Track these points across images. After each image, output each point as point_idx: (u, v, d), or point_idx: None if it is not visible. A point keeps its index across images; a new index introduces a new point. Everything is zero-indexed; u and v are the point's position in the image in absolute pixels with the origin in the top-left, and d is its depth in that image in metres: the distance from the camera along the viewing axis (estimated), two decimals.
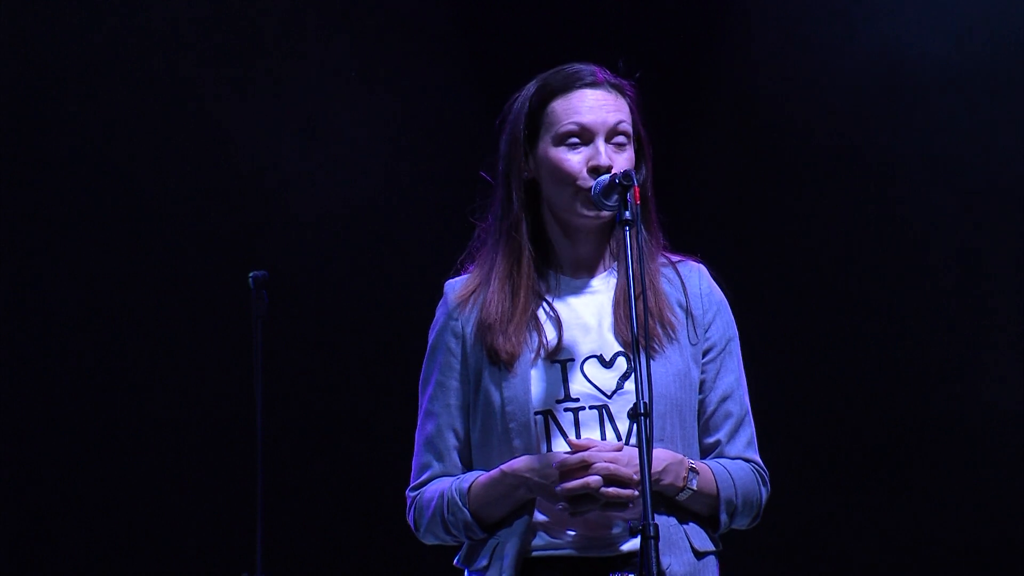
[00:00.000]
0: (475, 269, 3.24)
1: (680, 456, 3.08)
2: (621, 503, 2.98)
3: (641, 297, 2.96)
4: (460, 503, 3.11)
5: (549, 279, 3.20)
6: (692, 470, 3.08)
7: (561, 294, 3.19)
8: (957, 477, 5.12)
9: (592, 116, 3.13)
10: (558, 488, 2.99)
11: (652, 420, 2.92)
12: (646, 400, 2.84)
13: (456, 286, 3.25)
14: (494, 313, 3.15)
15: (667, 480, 3.05)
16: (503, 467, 3.08)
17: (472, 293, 3.20)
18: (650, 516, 2.79)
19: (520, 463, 3.06)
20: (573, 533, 3.08)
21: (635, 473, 2.97)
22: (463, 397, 3.18)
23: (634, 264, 2.93)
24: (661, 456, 3.04)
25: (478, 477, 3.12)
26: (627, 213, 2.96)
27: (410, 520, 3.21)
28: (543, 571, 3.08)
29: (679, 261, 3.24)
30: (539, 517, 3.10)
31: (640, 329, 2.91)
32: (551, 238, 3.21)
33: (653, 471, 2.99)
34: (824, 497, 5.23)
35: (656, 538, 2.79)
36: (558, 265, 3.21)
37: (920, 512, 5.15)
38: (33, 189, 5.14)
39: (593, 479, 2.97)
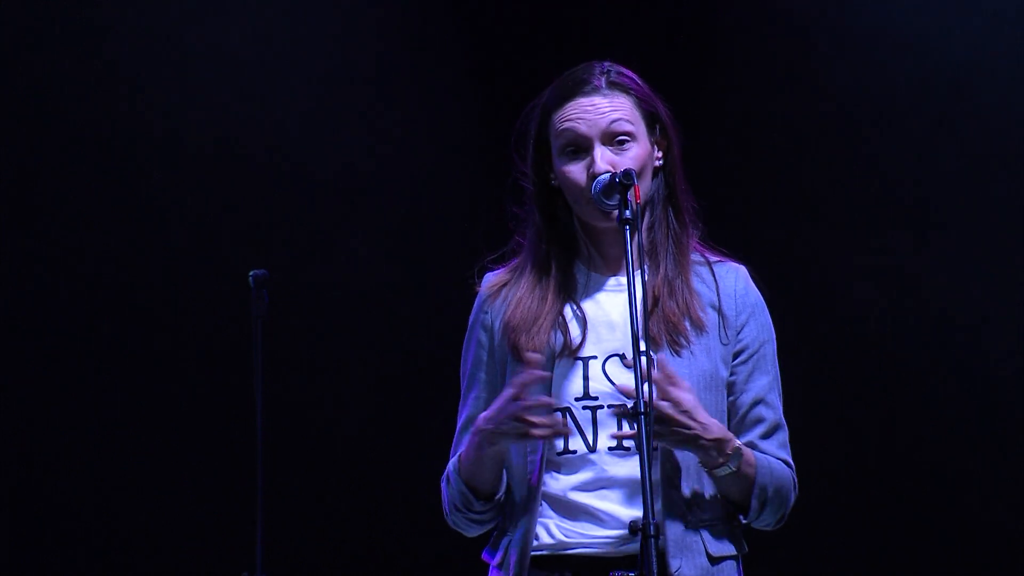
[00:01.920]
0: (513, 265, 3.27)
1: (731, 434, 3.05)
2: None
3: (642, 298, 2.97)
4: (455, 475, 3.14)
5: (580, 276, 3.22)
6: (738, 449, 3.04)
7: (590, 292, 3.21)
8: (981, 479, 5.11)
9: (584, 125, 3.15)
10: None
11: (652, 419, 2.92)
12: (646, 399, 2.84)
13: (491, 278, 3.29)
14: (519, 316, 3.18)
15: (714, 435, 3.00)
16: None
17: (503, 286, 3.24)
18: (651, 515, 2.79)
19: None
20: (579, 532, 3.08)
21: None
22: (491, 390, 3.21)
23: (634, 264, 2.93)
24: (714, 427, 3.01)
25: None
26: (627, 212, 2.97)
27: (443, 507, 3.24)
28: (549, 569, 3.09)
29: (717, 261, 3.24)
30: (546, 515, 3.11)
31: (640, 325, 2.91)
32: (582, 238, 3.23)
33: (705, 429, 2.97)
34: (839, 501, 5.22)
35: (656, 537, 2.79)
36: (592, 263, 3.23)
37: (942, 517, 5.15)
38: (32, 188, 5.13)
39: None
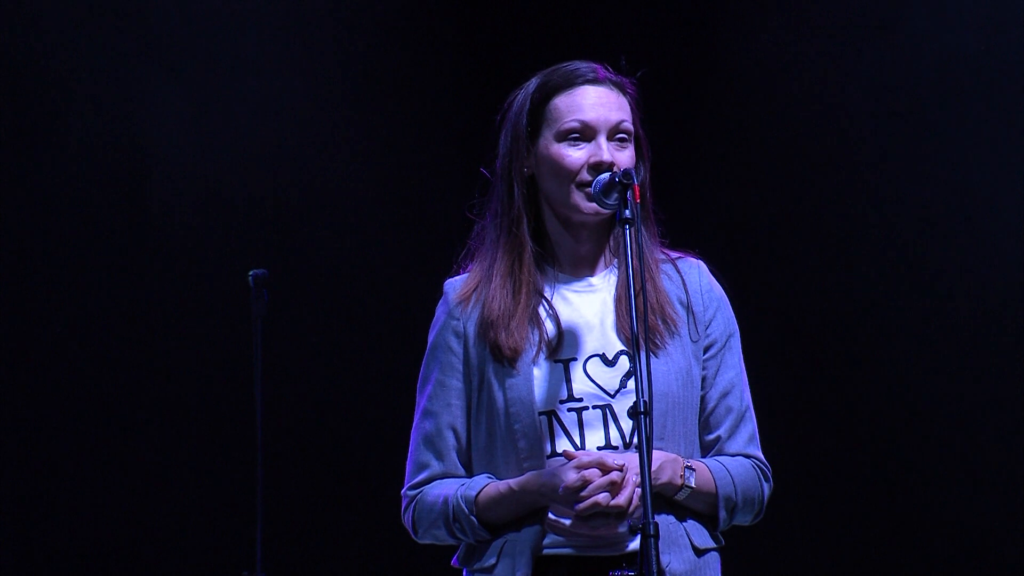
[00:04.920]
0: (475, 267, 3.23)
1: (674, 455, 3.08)
2: (623, 511, 2.98)
3: (641, 294, 2.96)
4: (467, 511, 3.09)
5: (549, 277, 3.19)
6: (688, 468, 3.07)
7: (562, 292, 3.18)
8: (956, 473, 5.12)
9: (595, 113, 3.13)
10: (576, 508, 2.97)
11: (652, 419, 2.92)
12: (646, 399, 2.83)
13: (456, 285, 3.24)
14: (496, 310, 3.14)
15: (664, 479, 3.05)
16: (512, 484, 3.07)
17: (473, 291, 3.19)
18: (650, 515, 2.79)
19: (530, 482, 3.05)
20: (580, 532, 3.07)
21: (634, 475, 2.98)
22: (464, 397, 3.17)
23: (634, 261, 2.92)
24: (656, 456, 3.04)
25: (485, 487, 3.10)
26: (627, 212, 2.96)
27: (407, 520, 3.19)
28: (549, 569, 3.07)
29: (678, 258, 3.23)
30: (547, 515, 3.10)
31: (640, 326, 2.90)
32: (551, 235, 3.20)
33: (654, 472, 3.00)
34: (824, 493, 5.23)
35: (656, 537, 2.79)
36: (558, 263, 3.20)
37: (919, 509, 5.16)
38: (33, 188, 5.14)
39: (602, 497, 2.97)
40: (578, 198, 3.12)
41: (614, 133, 3.14)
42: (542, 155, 3.16)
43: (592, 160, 3.11)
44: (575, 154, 3.13)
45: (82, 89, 5.15)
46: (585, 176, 3.11)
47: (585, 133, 3.13)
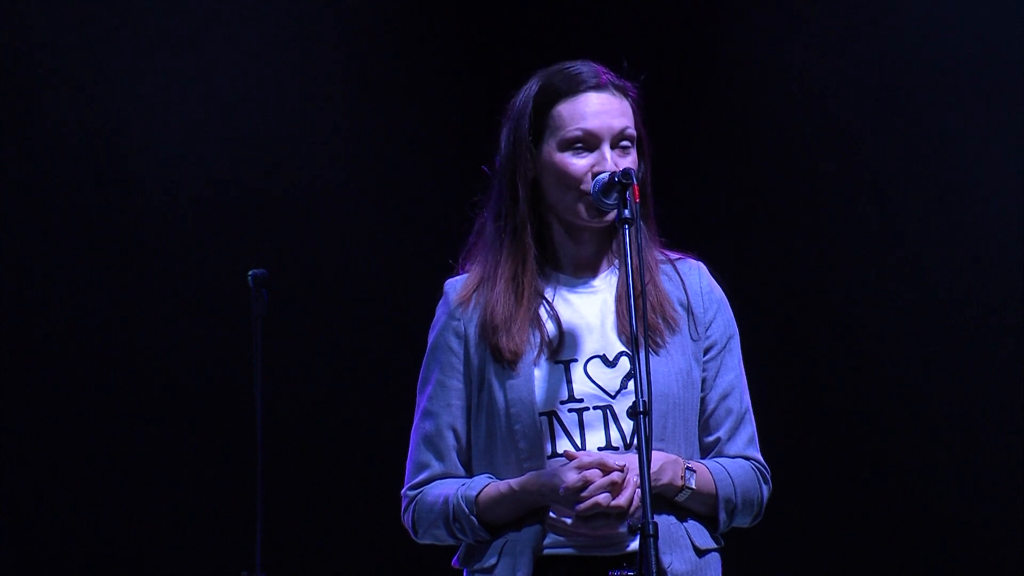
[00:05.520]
0: (476, 268, 3.22)
1: (675, 456, 3.08)
2: (623, 511, 2.99)
3: (641, 294, 2.96)
4: (467, 511, 3.09)
5: (551, 279, 3.19)
6: (689, 469, 3.07)
7: (563, 294, 3.18)
8: (956, 473, 5.12)
9: (598, 122, 3.12)
10: (577, 508, 2.98)
11: (651, 419, 2.92)
12: (645, 399, 2.83)
13: (457, 285, 3.23)
14: (499, 315, 3.14)
15: (665, 480, 3.05)
16: (512, 484, 3.07)
17: (474, 292, 3.19)
18: (650, 515, 2.79)
19: (530, 482, 3.06)
20: (581, 532, 3.06)
21: (635, 476, 2.98)
22: (464, 397, 3.17)
23: (634, 259, 2.92)
24: (656, 457, 3.04)
25: (485, 487, 3.10)
26: (626, 212, 2.96)
27: (407, 520, 3.19)
28: (549, 569, 3.07)
29: (678, 259, 3.23)
30: (548, 515, 3.09)
31: (639, 324, 2.90)
32: (555, 238, 3.20)
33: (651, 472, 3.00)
34: (824, 495, 5.23)
35: (656, 537, 2.79)
36: (560, 265, 3.20)
37: (919, 510, 5.16)
38: (33, 187, 5.13)
39: (603, 498, 2.97)
40: (582, 207, 3.12)
41: (618, 140, 3.13)
42: (546, 162, 3.16)
43: (596, 170, 3.10)
44: (578, 163, 3.12)
45: (84, 89, 5.15)
46: (588, 185, 3.10)
47: (588, 142, 3.12)
